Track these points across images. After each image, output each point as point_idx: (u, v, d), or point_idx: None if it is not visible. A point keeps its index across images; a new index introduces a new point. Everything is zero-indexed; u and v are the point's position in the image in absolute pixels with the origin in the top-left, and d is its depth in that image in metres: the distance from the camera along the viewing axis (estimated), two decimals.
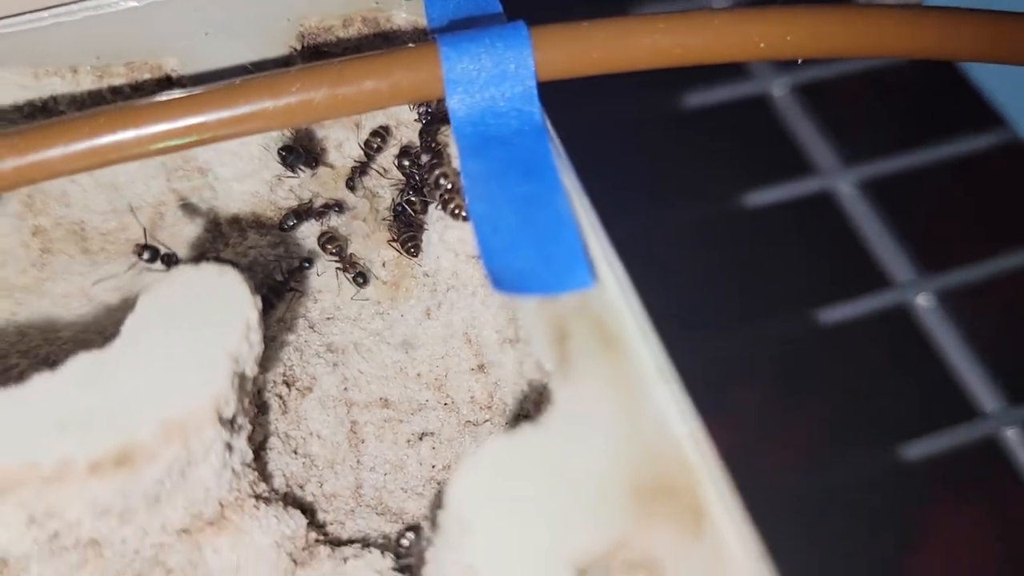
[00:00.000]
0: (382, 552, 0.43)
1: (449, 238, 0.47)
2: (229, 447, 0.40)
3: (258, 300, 0.40)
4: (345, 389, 0.49)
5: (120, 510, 0.39)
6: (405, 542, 0.40)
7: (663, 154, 0.73)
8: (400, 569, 0.40)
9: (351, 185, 0.51)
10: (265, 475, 0.45)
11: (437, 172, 0.43)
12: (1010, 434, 0.64)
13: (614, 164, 0.73)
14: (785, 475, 0.63)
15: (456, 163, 0.43)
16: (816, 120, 0.77)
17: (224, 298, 0.39)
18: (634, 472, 0.35)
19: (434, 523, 0.38)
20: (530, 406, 0.43)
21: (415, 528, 0.41)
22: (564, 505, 0.34)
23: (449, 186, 0.43)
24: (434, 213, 0.48)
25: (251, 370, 0.40)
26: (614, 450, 0.35)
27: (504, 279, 0.39)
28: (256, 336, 0.39)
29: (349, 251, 0.50)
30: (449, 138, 0.45)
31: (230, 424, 0.39)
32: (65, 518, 0.39)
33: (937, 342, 0.68)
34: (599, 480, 0.35)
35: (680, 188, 0.71)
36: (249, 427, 0.42)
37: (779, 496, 0.60)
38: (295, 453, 0.47)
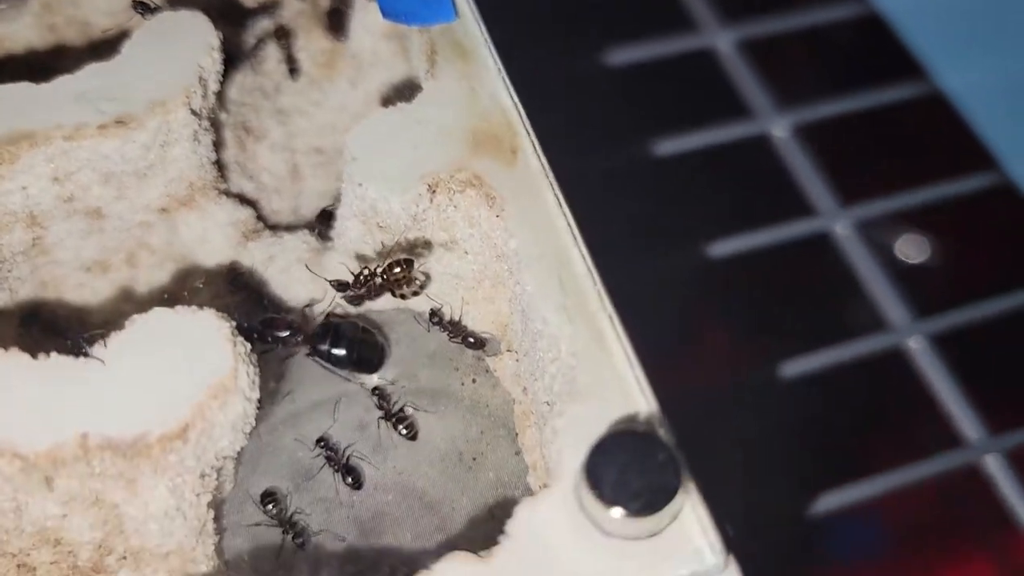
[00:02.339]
0: (309, 231, 0.58)
1: (368, 22, 0.63)
2: (197, 138, 0.55)
3: (219, 33, 0.55)
4: (290, 139, 0.65)
5: (118, 181, 0.55)
6: (329, 211, 0.56)
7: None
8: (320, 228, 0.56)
9: None
10: (226, 180, 0.60)
11: None
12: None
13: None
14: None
15: None
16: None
17: (194, 30, 0.55)
18: (473, 126, 0.51)
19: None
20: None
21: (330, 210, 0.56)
22: (421, 144, 0.50)
23: None
24: (358, 4, 0.64)
25: (213, 83, 0.56)
26: (460, 112, 0.51)
27: (393, 14, 0.55)
28: (217, 56, 0.55)
29: (296, 47, 0.66)
30: None
31: (197, 117, 0.55)
32: (79, 180, 0.54)
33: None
34: (448, 131, 0.51)
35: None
36: (213, 136, 0.57)
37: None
38: (249, 178, 0.63)
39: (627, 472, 0.39)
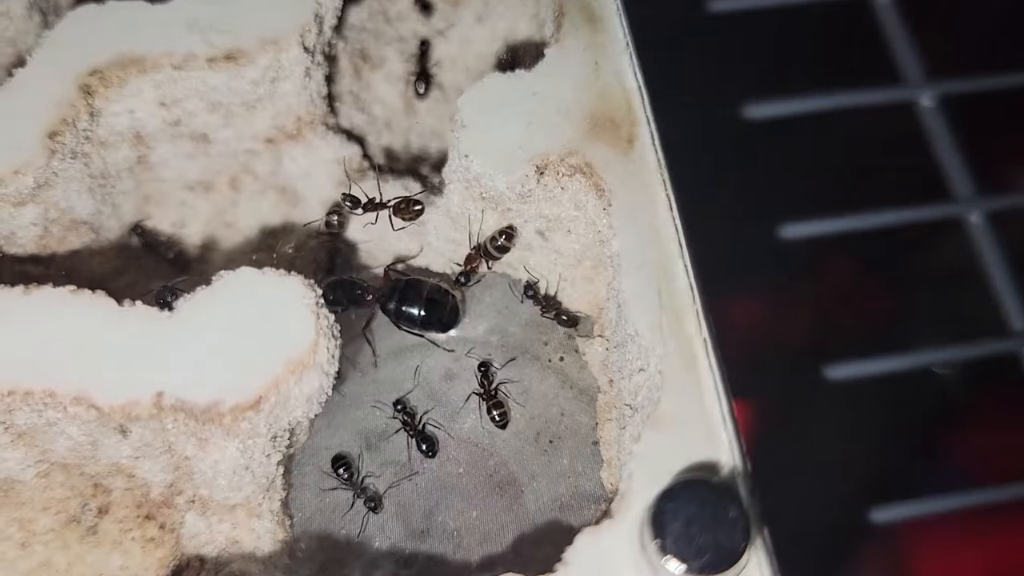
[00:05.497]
0: (412, 177, 0.57)
1: None
2: (308, 74, 0.54)
3: None
4: (408, 71, 0.62)
5: (225, 110, 0.54)
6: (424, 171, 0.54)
7: None
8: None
9: None
10: (336, 114, 0.59)
11: None
12: None
13: None
14: None
15: None
16: None
17: None
18: (591, 106, 0.48)
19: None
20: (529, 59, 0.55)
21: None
22: (536, 121, 0.48)
23: None
24: None
25: (331, 18, 0.53)
26: (580, 90, 0.48)
27: None
28: None
29: None
30: None
31: (310, 54, 0.53)
32: (186, 107, 0.53)
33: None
34: (564, 108, 0.48)
35: None
36: (325, 69, 0.55)
37: None
38: (361, 110, 0.61)
39: (693, 525, 0.37)
